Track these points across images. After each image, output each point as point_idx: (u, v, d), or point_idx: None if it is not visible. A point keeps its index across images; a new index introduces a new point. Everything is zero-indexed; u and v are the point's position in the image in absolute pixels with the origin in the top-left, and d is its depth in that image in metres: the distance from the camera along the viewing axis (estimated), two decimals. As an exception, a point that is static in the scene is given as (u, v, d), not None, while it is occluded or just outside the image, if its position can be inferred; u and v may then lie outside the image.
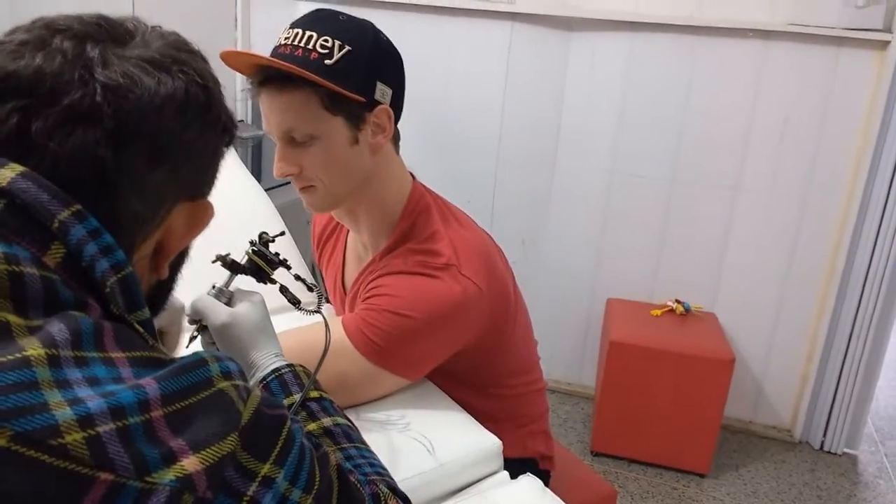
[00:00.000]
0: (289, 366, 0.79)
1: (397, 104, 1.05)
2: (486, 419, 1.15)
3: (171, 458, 0.43)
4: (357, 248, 1.21)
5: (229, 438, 0.46)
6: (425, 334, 1.01)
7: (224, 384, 0.49)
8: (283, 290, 0.89)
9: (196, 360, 0.49)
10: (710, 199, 2.52)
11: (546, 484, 1.33)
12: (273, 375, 0.78)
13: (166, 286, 0.66)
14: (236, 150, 2.56)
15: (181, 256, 0.65)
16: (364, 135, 1.02)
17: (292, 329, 1.03)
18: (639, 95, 2.50)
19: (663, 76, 2.46)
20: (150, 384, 0.45)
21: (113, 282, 0.50)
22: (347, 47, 0.97)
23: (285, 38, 0.99)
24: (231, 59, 0.97)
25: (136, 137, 0.51)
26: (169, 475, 0.42)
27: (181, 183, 0.57)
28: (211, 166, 0.60)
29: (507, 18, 2.55)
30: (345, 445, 0.71)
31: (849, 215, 2.37)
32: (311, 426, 0.72)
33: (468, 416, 1.05)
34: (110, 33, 0.54)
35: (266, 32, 2.85)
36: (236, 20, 2.83)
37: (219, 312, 0.82)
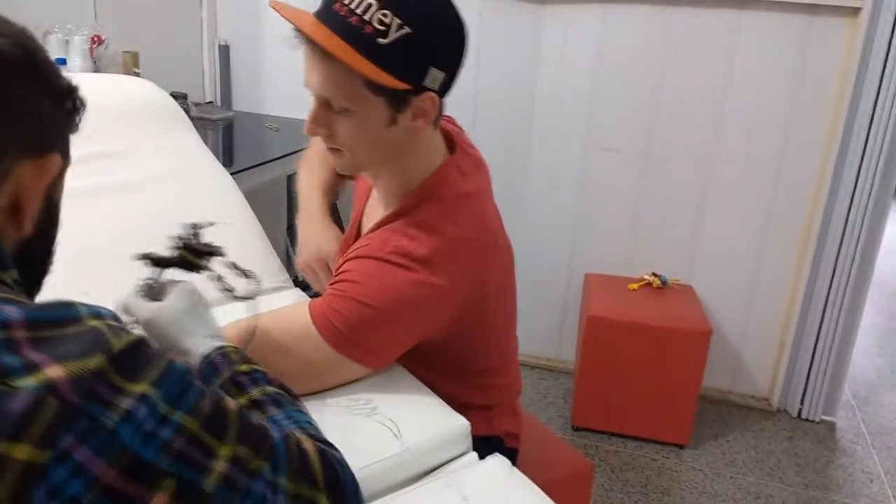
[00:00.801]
0: (218, 348, 0.78)
1: (448, 87, 1.00)
2: (452, 401, 1.14)
3: (33, 367, 0.45)
4: (375, 203, 1.18)
5: (96, 357, 0.47)
6: (388, 324, 0.99)
7: (95, 322, 0.50)
8: (217, 278, 0.88)
9: (63, 301, 0.51)
10: (685, 172, 2.51)
11: (513, 462, 1.33)
12: (205, 362, 0.77)
13: (39, 245, 0.66)
14: (205, 132, 2.51)
15: (48, 214, 0.66)
16: (404, 117, 0.97)
17: (268, 314, 1.01)
18: (612, 69, 2.48)
19: (637, 49, 2.44)
20: (12, 310, 0.47)
21: None
22: (407, 29, 0.89)
23: None
24: (285, 10, 0.92)
25: None
26: (30, 380, 0.44)
27: (17, 138, 0.60)
28: (51, 124, 0.63)
29: (478, -8, 2.51)
30: (272, 413, 0.70)
31: (823, 184, 2.38)
32: (241, 400, 0.72)
33: (436, 398, 1.03)
34: None
35: (233, 9, 2.79)
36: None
37: (142, 310, 0.81)
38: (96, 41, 2.21)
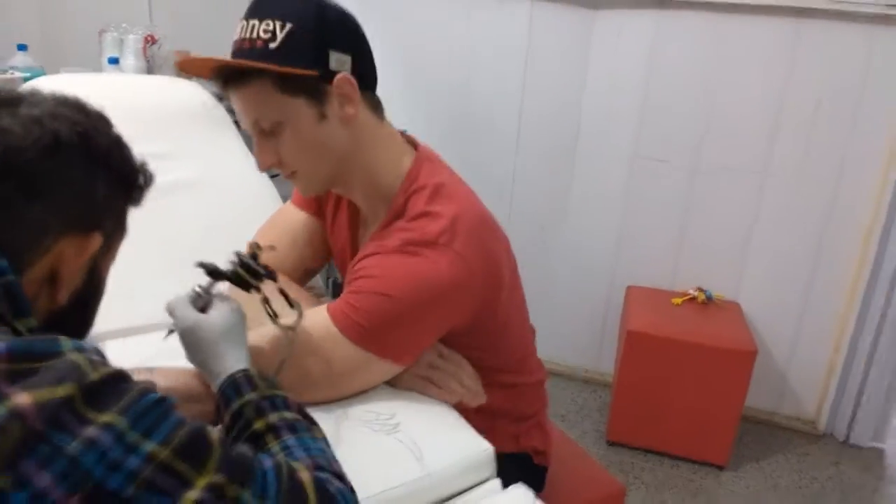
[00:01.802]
0: (243, 370, 0.79)
1: (364, 69, 1.02)
2: (481, 414, 1.12)
3: (2, 397, 0.47)
4: (364, 220, 1.17)
5: (66, 385, 0.49)
6: (411, 315, 0.98)
7: (75, 355, 0.52)
8: (265, 301, 0.91)
9: (50, 336, 0.53)
10: (735, 185, 2.44)
11: (542, 481, 1.31)
12: (227, 380, 0.78)
13: (76, 316, 0.69)
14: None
15: (90, 286, 0.69)
16: (331, 108, 0.99)
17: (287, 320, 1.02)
18: (664, 77, 2.42)
19: (690, 57, 2.38)
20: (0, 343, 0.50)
21: None
22: (290, 25, 0.94)
23: (237, 33, 0.98)
24: (189, 67, 0.99)
25: (5, 175, 0.60)
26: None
27: (63, 217, 0.64)
28: (103, 207, 0.68)
29: (527, -2, 2.48)
30: (285, 437, 0.71)
31: (881, 201, 2.28)
32: (259, 423, 0.72)
33: (459, 417, 1.02)
34: (3, 100, 0.64)
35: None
36: None
37: (186, 317, 0.83)
38: (150, 40, 2.26)
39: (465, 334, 1.06)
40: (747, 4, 2.26)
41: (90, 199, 0.66)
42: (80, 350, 0.53)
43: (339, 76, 0.97)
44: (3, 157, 0.60)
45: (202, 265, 0.87)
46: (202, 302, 0.86)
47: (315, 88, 0.97)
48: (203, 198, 1.42)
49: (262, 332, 0.95)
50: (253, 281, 0.89)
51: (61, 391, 0.48)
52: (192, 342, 0.83)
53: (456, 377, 1.07)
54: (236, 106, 0.99)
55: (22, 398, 0.47)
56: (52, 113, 0.64)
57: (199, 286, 0.87)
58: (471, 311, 1.03)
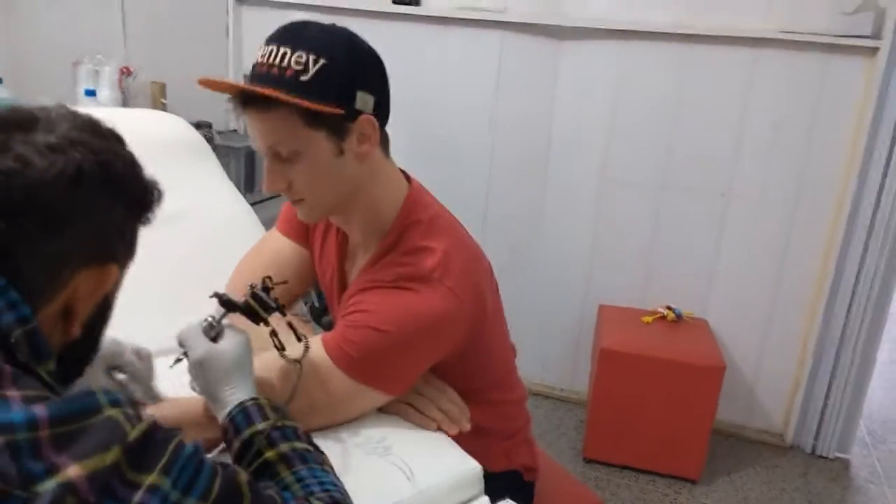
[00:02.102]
0: (253, 399, 0.82)
1: (382, 110, 1.04)
2: (472, 433, 1.16)
3: (54, 470, 0.48)
4: (353, 250, 1.20)
5: (113, 450, 0.51)
6: (404, 348, 1.02)
7: (113, 411, 0.53)
8: (273, 334, 0.93)
9: (85, 392, 0.54)
10: (701, 206, 2.53)
11: (531, 496, 1.35)
12: (238, 408, 0.81)
13: (84, 345, 0.69)
14: (229, 160, 2.57)
15: (99, 318, 0.69)
16: (349, 144, 1.01)
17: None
18: (629, 103, 2.51)
19: (654, 84, 2.47)
20: (39, 408, 0.50)
21: (18, 333, 0.57)
22: (322, 60, 0.96)
23: (262, 56, 0.99)
24: (210, 85, 0.98)
25: (27, 210, 0.58)
26: (51, 483, 0.47)
27: (82, 250, 0.63)
28: (118, 235, 0.67)
29: (498, 27, 2.56)
30: (298, 468, 0.73)
31: (839, 220, 2.38)
32: (270, 453, 0.75)
33: (448, 438, 1.05)
34: (16, 122, 0.61)
35: (259, 40, 2.85)
36: (228, 30, 2.84)
37: (198, 346, 0.86)
38: (125, 72, 2.28)
39: (453, 362, 1.10)
40: (707, 35, 2.36)
41: (109, 228, 0.65)
42: (116, 404, 0.54)
43: (363, 117, 1.00)
44: (25, 192, 0.57)
45: (217, 295, 0.89)
46: (214, 332, 0.88)
47: (338, 125, 0.99)
48: (187, 228, 1.44)
49: (267, 364, 0.97)
50: (263, 313, 0.92)
51: (109, 458, 0.50)
52: (204, 371, 0.85)
53: (437, 402, 1.11)
54: (254, 128, 1.00)
55: (73, 470, 0.48)
56: (70, 139, 0.61)
57: (211, 316, 0.90)
58: (460, 342, 1.07)
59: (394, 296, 1.02)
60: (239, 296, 0.92)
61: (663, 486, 2.36)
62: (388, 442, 1.01)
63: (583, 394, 2.77)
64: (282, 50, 0.97)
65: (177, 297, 1.04)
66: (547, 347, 2.80)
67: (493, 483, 1.05)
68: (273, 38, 1.00)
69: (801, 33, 2.26)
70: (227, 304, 0.90)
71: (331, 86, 0.97)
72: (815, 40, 2.26)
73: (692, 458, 2.36)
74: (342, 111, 0.98)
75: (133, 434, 0.53)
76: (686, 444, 2.36)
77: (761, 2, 2.31)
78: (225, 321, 0.91)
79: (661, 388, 2.31)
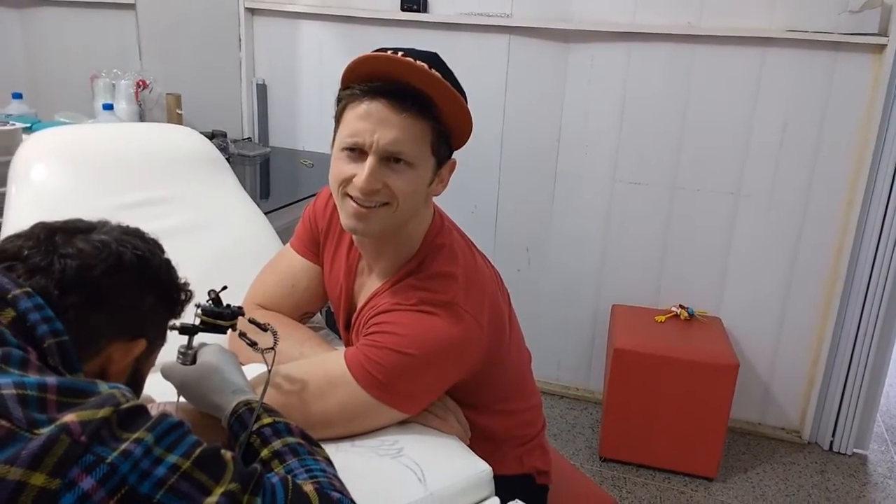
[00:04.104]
0: (244, 403, 0.86)
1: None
2: (486, 438, 1.19)
3: (54, 420, 0.57)
4: (364, 268, 1.21)
5: (105, 408, 0.59)
6: (425, 371, 1.04)
7: (113, 391, 0.62)
8: (242, 335, 0.98)
9: (91, 380, 0.64)
10: (712, 205, 2.53)
11: (544, 499, 1.37)
12: (234, 417, 0.86)
13: None
14: (244, 168, 2.62)
15: (133, 383, 0.82)
16: (437, 179, 1.07)
17: (305, 362, 1.10)
18: (638, 104, 2.52)
19: (662, 85, 2.48)
20: (51, 377, 0.61)
21: (51, 343, 0.68)
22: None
23: (401, 55, 0.99)
24: (370, 62, 0.98)
25: (77, 286, 0.73)
26: (50, 426, 0.56)
27: (118, 325, 0.77)
28: (149, 315, 0.82)
29: (505, 32, 2.58)
30: (288, 461, 0.78)
31: (850, 217, 2.38)
32: (264, 452, 0.80)
33: (459, 441, 1.08)
34: (79, 227, 0.79)
35: (270, 49, 2.90)
36: (240, 40, 2.89)
37: (174, 376, 0.92)
38: (141, 85, 2.33)
39: (469, 379, 1.12)
40: (714, 35, 2.37)
41: (140, 310, 0.80)
42: (115, 387, 0.63)
43: (451, 160, 1.08)
44: (78, 272, 0.74)
45: (172, 328, 0.91)
46: (189, 358, 0.93)
47: (441, 160, 1.06)
48: (205, 241, 1.48)
49: (256, 376, 1.01)
50: (224, 322, 0.95)
51: (101, 413, 0.58)
52: (190, 392, 0.92)
53: (454, 413, 1.14)
54: (379, 121, 0.98)
55: (69, 417, 0.57)
56: (118, 239, 0.79)
57: (181, 346, 0.94)
58: (480, 361, 1.10)
59: (417, 319, 1.03)
60: (194, 318, 0.94)
61: (680, 483, 2.37)
62: (399, 444, 1.04)
63: (598, 393, 2.79)
64: (434, 72, 0.99)
65: (193, 310, 1.07)
66: (562, 348, 2.82)
67: (505, 486, 1.08)
68: (417, 54, 1.00)
69: (808, 32, 2.27)
70: (186, 329, 0.93)
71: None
72: (822, 38, 2.26)
73: (708, 456, 2.37)
74: (451, 148, 1.05)
75: (126, 405, 0.60)
76: (702, 441, 2.36)
77: (767, 1, 2.32)
78: (195, 343, 0.95)
79: (675, 387, 2.32)
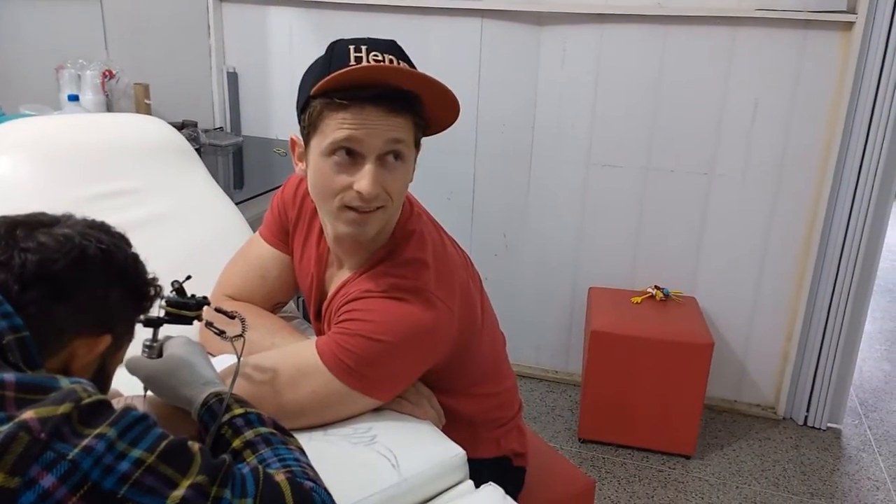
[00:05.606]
0: (215, 395, 0.85)
1: None
2: (461, 422, 1.19)
3: (12, 417, 0.56)
4: (333, 258, 1.20)
5: (66, 404, 0.58)
6: (397, 357, 1.04)
7: (74, 386, 0.61)
8: (209, 325, 0.98)
9: (51, 375, 0.63)
10: (685, 186, 2.55)
11: (521, 481, 1.38)
12: (204, 409, 0.85)
13: None
14: (216, 157, 2.59)
15: (98, 381, 0.78)
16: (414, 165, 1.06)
17: (276, 352, 1.09)
18: (611, 86, 2.52)
19: (634, 66, 2.48)
20: (9, 374, 0.60)
21: (10, 339, 0.67)
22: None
23: (373, 59, 0.97)
24: (350, 75, 0.94)
25: (38, 280, 0.72)
26: (9, 424, 0.55)
27: (82, 320, 0.75)
28: (114, 310, 0.79)
29: (477, 15, 2.57)
30: (261, 451, 0.78)
31: (822, 194, 2.41)
32: (236, 442, 0.79)
33: (431, 426, 1.08)
34: (41, 221, 0.77)
35: (240, 37, 2.86)
36: (209, 28, 2.84)
37: (140, 370, 0.91)
38: (108, 75, 2.29)
39: (444, 365, 1.12)
40: (685, 16, 2.38)
41: (105, 305, 0.78)
42: (77, 382, 0.62)
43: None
44: (40, 266, 0.72)
45: (137, 321, 0.90)
46: (155, 351, 0.92)
47: (418, 148, 1.04)
48: (173, 234, 1.46)
49: (226, 367, 1.00)
50: (189, 313, 0.94)
51: (61, 409, 0.57)
52: (157, 386, 0.90)
53: (427, 399, 1.14)
54: (373, 126, 0.96)
55: (28, 414, 0.56)
56: (82, 232, 0.77)
57: (146, 339, 0.93)
58: (451, 349, 1.10)
59: (388, 306, 1.03)
60: (159, 309, 0.93)
61: (658, 462, 2.40)
62: (373, 432, 1.04)
63: (577, 375, 2.81)
64: (401, 63, 0.99)
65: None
66: (540, 331, 2.84)
67: (481, 469, 1.08)
68: (381, 47, 0.99)
69: (777, 10, 2.28)
70: (151, 322, 0.92)
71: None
72: (792, 17, 2.27)
73: (685, 434, 2.40)
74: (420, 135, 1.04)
75: (87, 400, 0.59)
76: (679, 420, 2.39)
77: (737, -20, 2.32)
78: (161, 337, 0.94)
79: (652, 367, 2.35)
